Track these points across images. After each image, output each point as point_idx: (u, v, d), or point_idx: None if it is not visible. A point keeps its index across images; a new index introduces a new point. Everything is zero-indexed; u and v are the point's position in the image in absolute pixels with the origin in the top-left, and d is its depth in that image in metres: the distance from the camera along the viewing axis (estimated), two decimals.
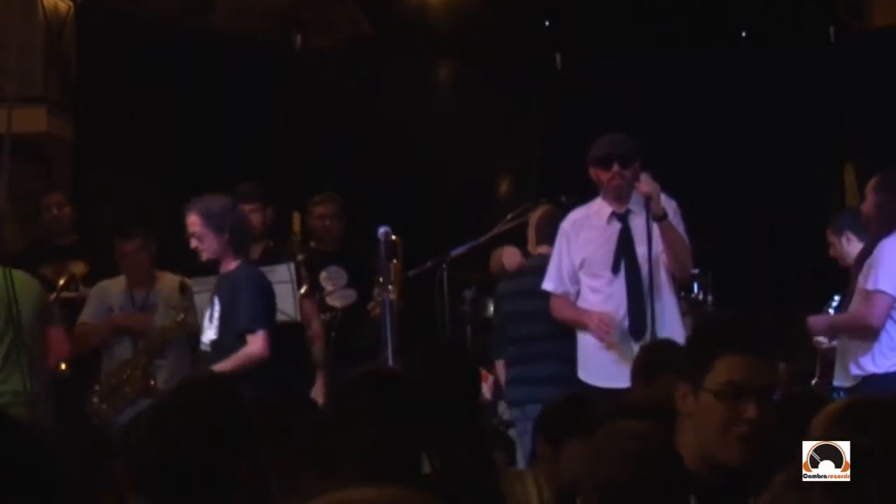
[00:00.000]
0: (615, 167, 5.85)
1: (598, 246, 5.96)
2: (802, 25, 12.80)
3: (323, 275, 7.56)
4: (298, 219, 9.10)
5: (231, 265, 6.11)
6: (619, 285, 5.86)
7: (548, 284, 6.14)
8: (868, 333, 5.85)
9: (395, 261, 7.28)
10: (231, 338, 6.03)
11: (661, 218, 5.76)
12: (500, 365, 6.96)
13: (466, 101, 10.11)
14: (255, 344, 5.96)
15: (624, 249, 5.88)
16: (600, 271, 5.92)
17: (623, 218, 5.94)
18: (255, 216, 7.08)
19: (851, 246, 7.28)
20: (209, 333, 6.13)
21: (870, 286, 5.82)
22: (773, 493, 1.96)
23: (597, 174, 5.93)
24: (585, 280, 5.99)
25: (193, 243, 6.09)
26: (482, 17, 12.91)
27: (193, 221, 6.09)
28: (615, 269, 5.87)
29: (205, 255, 6.10)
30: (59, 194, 8.09)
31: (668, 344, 4.82)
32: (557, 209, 6.61)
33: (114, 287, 7.06)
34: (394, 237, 7.06)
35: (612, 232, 5.94)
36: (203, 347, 6.16)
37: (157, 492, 2.71)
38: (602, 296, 5.91)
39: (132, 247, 7.17)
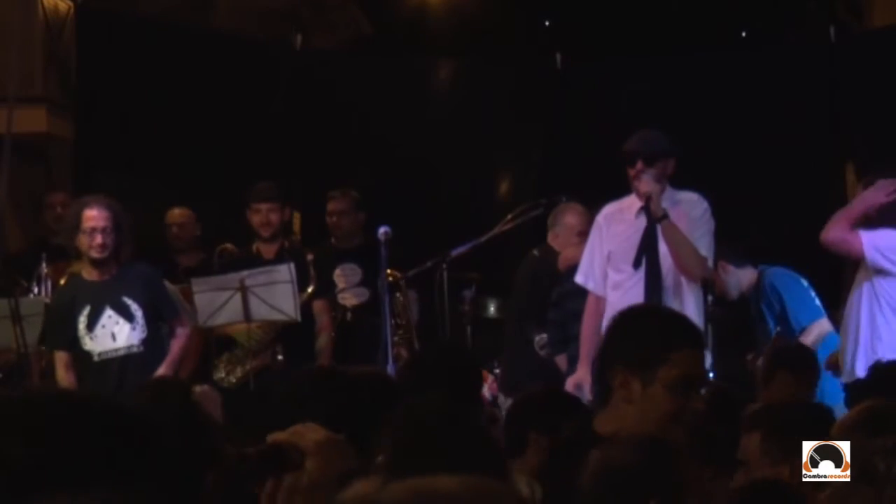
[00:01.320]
0: (639, 164, 5.82)
1: (624, 240, 5.91)
2: (802, 25, 12.80)
3: (337, 272, 7.55)
4: (298, 219, 9.10)
5: (114, 269, 6.16)
6: (638, 281, 5.82)
7: (578, 277, 6.12)
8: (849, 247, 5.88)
9: (398, 295, 7.30)
10: (159, 333, 6.23)
11: (661, 219, 5.74)
12: (561, 359, 6.93)
13: (466, 101, 10.10)
14: (188, 327, 6.37)
15: (647, 245, 5.83)
16: (623, 265, 5.88)
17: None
18: (273, 215, 7.07)
19: (730, 276, 7.34)
20: (135, 334, 6.13)
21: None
22: (837, 490, 1.94)
23: (627, 169, 5.90)
24: (610, 274, 5.95)
25: (98, 238, 6.05)
26: (482, 17, 12.90)
27: (105, 216, 6.08)
28: (636, 265, 5.84)
29: (105, 252, 6.09)
30: (63, 194, 8.09)
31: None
32: None
33: None
34: (390, 276, 7.09)
35: (638, 227, 5.89)
36: (116, 353, 6.11)
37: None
38: (621, 291, 5.85)
39: None
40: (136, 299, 6.16)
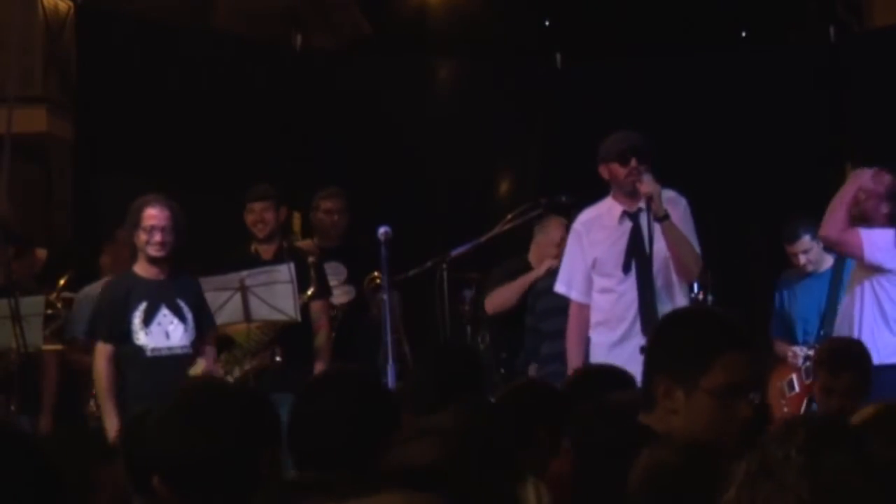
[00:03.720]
0: (633, 162, 5.77)
1: (609, 245, 5.89)
2: (802, 25, 12.81)
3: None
4: (298, 219, 9.10)
5: (167, 270, 6.32)
6: (630, 285, 5.81)
7: (559, 286, 6.09)
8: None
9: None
10: (198, 339, 6.36)
11: (663, 218, 5.73)
12: (532, 369, 6.90)
13: (466, 101, 10.10)
14: (214, 344, 6.51)
15: (635, 249, 5.81)
16: (612, 271, 5.86)
17: (634, 217, 5.85)
18: (267, 214, 7.12)
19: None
20: (186, 336, 6.29)
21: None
22: (740, 484, 1.89)
23: (613, 170, 5.82)
24: (596, 280, 5.91)
25: (158, 236, 6.19)
26: (482, 17, 12.92)
27: (166, 216, 6.23)
28: (626, 269, 5.81)
29: (164, 251, 6.23)
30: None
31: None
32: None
33: (96, 290, 6.91)
34: (375, 279, 7.17)
35: (623, 231, 5.87)
36: (169, 352, 6.25)
37: (178, 488, 2.68)
38: (614, 295, 5.83)
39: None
40: (187, 303, 6.31)
